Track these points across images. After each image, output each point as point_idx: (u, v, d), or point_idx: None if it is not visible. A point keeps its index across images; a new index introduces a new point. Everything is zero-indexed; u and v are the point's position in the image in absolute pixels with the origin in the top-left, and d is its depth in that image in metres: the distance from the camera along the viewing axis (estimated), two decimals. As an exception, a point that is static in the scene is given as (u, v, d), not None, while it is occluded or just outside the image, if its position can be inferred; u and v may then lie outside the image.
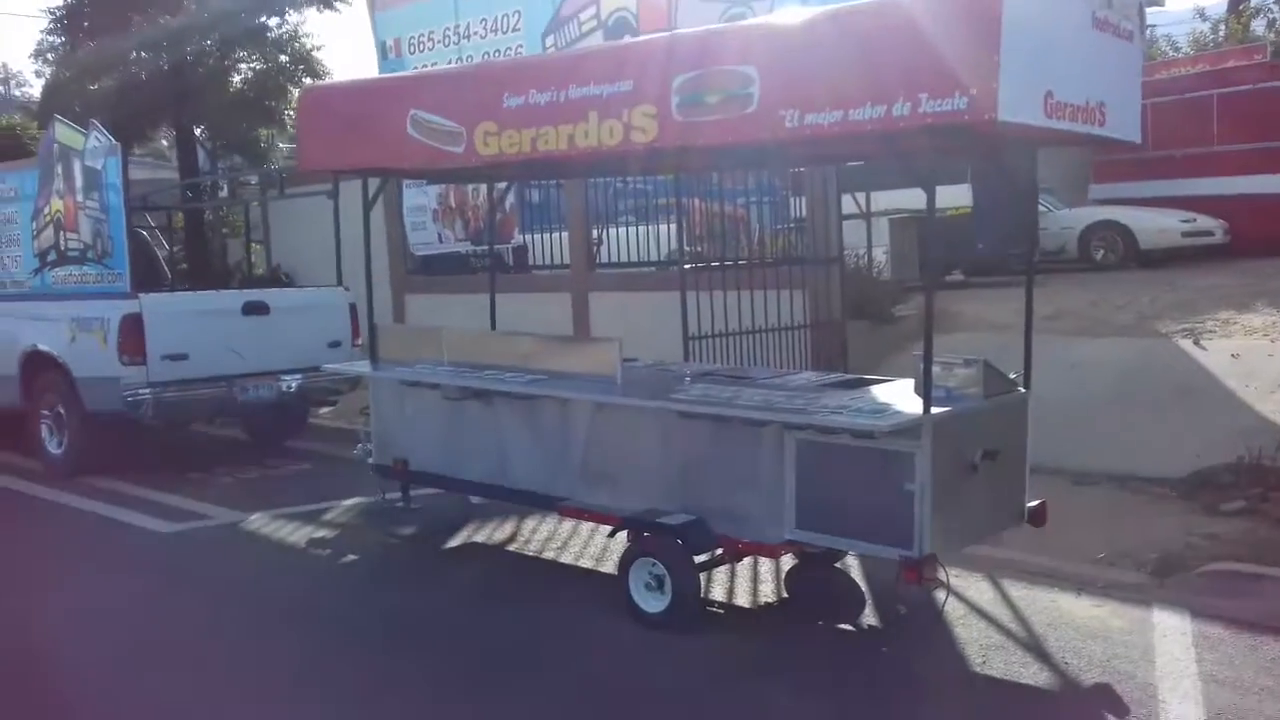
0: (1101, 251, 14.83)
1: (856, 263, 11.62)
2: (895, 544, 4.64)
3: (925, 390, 4.59)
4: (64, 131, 8.61)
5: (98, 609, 5.72)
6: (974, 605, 5.39)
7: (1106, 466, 7.62)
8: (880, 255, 12.91)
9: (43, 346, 8.71)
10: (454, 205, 14.20)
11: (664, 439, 5.37)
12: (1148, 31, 26.66)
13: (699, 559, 5.21)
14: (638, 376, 5.88)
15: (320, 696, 4.53)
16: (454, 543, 6.68)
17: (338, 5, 16.58)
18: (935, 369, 5.00)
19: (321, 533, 6.99)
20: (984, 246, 14.05)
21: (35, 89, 23.45)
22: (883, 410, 4.77)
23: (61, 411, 8.67)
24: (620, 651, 4.92)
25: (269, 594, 5.89)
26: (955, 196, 13.74)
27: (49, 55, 16.37)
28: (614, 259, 12.80)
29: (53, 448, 8.81)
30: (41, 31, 15.55)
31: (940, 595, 5.14)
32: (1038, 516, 5.34)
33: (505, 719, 4.31)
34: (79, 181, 8.47)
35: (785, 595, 5.61)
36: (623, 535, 5.49)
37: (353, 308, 9.42)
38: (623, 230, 13.03)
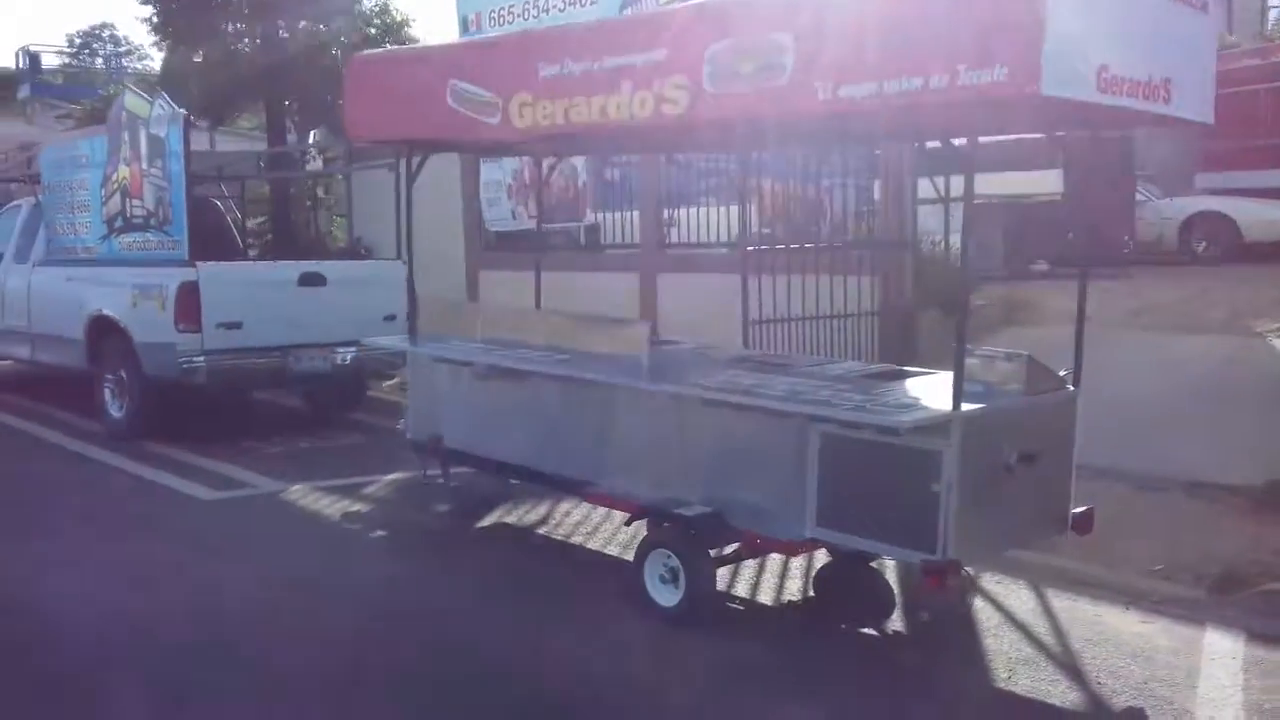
0: (1203, 244, 14.11)
1: (933, 249, 11.19)
2: (918, 547, 4.35)
3: (956, 385, 4.30)
4: (132, 99, 8.71)
5: (106, 564, 5.76)
6: (1010, 614, 5.07)
7: (1178, 472, 7.16)
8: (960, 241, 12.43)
9: (107, 311, 8.84)
10: (527, 182, 14.11)
11: (686, 426, 5.15)
12: (1270, 13, 25.37)
13: (717, 552, 4.99)
14: (670, 360, 5.67)
15: (287, 677, 4.42)
16: (485, 523, 6.57)
17: (425, -22, 16.58)
18: (975, 363, 4.72)
19: (357, 506, 6.95)
20: (1075, 235, 13.49)
21: (155, 62, 24.09)
22: (911, 405, 4.49)
23: (123, 375, 8.79)
24: (624, 648, 4.73)
25: (283, 563, 5.84)
26: (1044, 181, 13.21)
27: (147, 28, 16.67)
28: (687, 239, 12.58)
29: (114, 411, 8.95)
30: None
31: (971, 601, 4.84)
32: (1083, 524, 4.99)
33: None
34: (144, 149, 8.56)
35: (812, 594, 5.36)
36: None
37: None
38: (698, 211, 12.72)
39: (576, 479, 5.67)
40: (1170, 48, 4.35)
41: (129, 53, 48.94)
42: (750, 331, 9.60)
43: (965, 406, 4.32)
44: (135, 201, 8.71)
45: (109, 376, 8.96)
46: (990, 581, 5.55)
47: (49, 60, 33.69)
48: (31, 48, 30.54)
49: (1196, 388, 8.23)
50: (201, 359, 8.22)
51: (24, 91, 29.99)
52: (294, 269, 8.78)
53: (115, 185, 8.92)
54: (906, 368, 5.85)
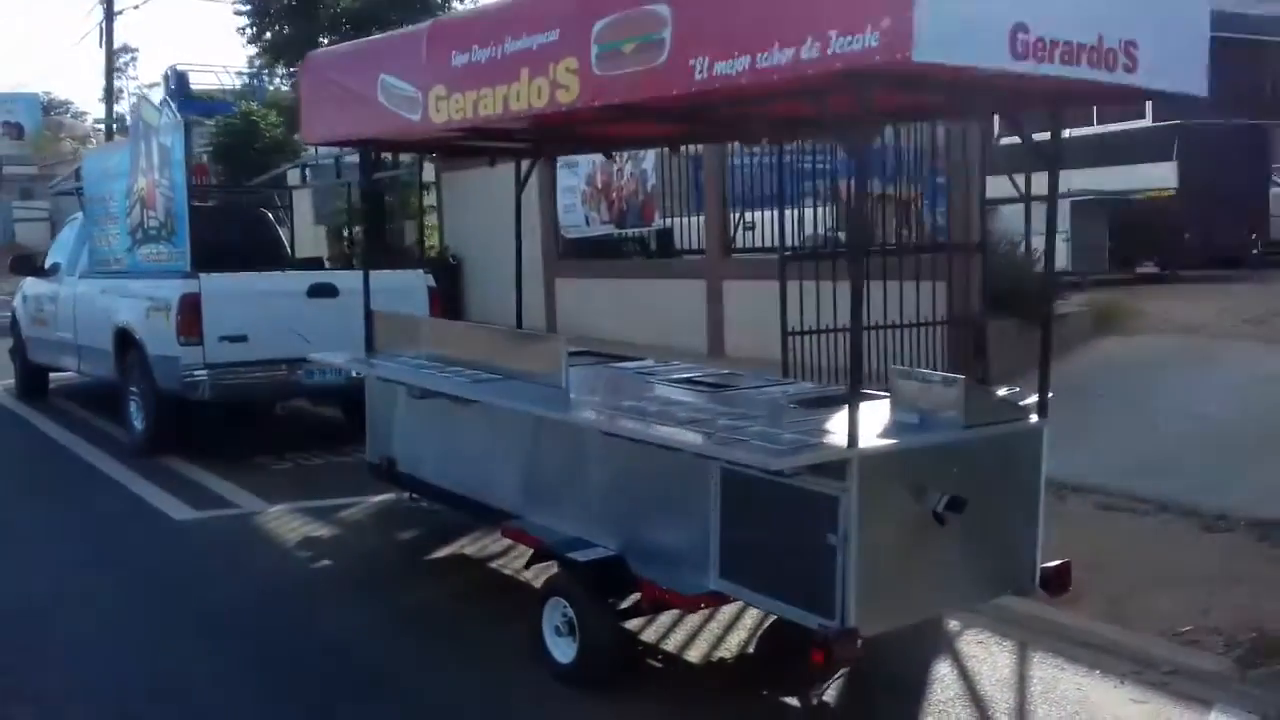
0: (1351, 244, 12.57)
1: (1011, 252, 10.18)
2: (815, 610, 3.64)
3: (851, 417, 3.56)
4: (146, 109, 8.60)
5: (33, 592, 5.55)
6: (973, 683, 4.28)
7: (1254, 510, 6.14)
8: (1059, 243, 11.28)
9: (127, 323, 8.75)
10: (599, 186, 13.66)
11: (590, 457, 4.55)
12: None
13: (621, 602, 4.36)
14: (596, 379, 5.07)
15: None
16: (441, 553, 6.08)
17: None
18: (912, 387, 3.97)
19: (323, 531, 6.57)
20: (1192, 235, 12.19)
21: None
22: (812, 441, 3.76)
23: (142, 388, 8.68)
24: (511, 706, 4.16)
25: (207, 595, 5.50)
26: (1155, 176, 11.93)
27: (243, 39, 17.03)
28: (759, 244, 11.85)
29: (137, 424, 8.85)
30: (234, 12, 16.05)
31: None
32: (1056, 581, 4.17)
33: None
34: (156, 159, 8.43)
35: (751, 650, 4.66)
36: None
37: (432, 291, 9.01)
38: (769, 212, 11.92)
39: (500, 509, 5.12)
40: (1132, 3, 3.53)
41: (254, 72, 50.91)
42: (790, 343, 8.87)
43: (869, 443, 3.58)
44: (150, 212, 8.59)
45: (132, 389, 8.87)
46: (971, 638, 4.75)
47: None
48: (179, 67, 31.84)
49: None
50: (204, 372, 8.01)
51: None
52: (303, 280, 8.49)
53: (136, 196, 8.83)
54: (871, 391, 5.05)
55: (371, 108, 5.47)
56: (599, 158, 13.55)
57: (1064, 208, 11.77)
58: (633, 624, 4.71)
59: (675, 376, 5.24)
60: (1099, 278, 11.35)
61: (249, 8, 15.64)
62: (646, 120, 4.87)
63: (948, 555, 3.81)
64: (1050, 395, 4.25)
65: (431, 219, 17.03)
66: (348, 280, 8.70)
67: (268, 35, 16.06)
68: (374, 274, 10.04)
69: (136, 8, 42.09)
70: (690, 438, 3.85)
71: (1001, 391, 4.29)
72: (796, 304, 8.61)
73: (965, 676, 4.37)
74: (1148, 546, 5.83)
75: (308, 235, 19.82)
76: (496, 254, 15.62)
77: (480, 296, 16.11)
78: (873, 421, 3.95)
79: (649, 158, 12.74)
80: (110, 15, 26.93)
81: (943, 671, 4.43)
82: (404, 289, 8.89)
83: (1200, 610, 4.92)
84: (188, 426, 8.64)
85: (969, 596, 4.13)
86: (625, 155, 13.10)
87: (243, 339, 8.10)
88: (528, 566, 4.90)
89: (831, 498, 3.55)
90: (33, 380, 11.60)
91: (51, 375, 11.64)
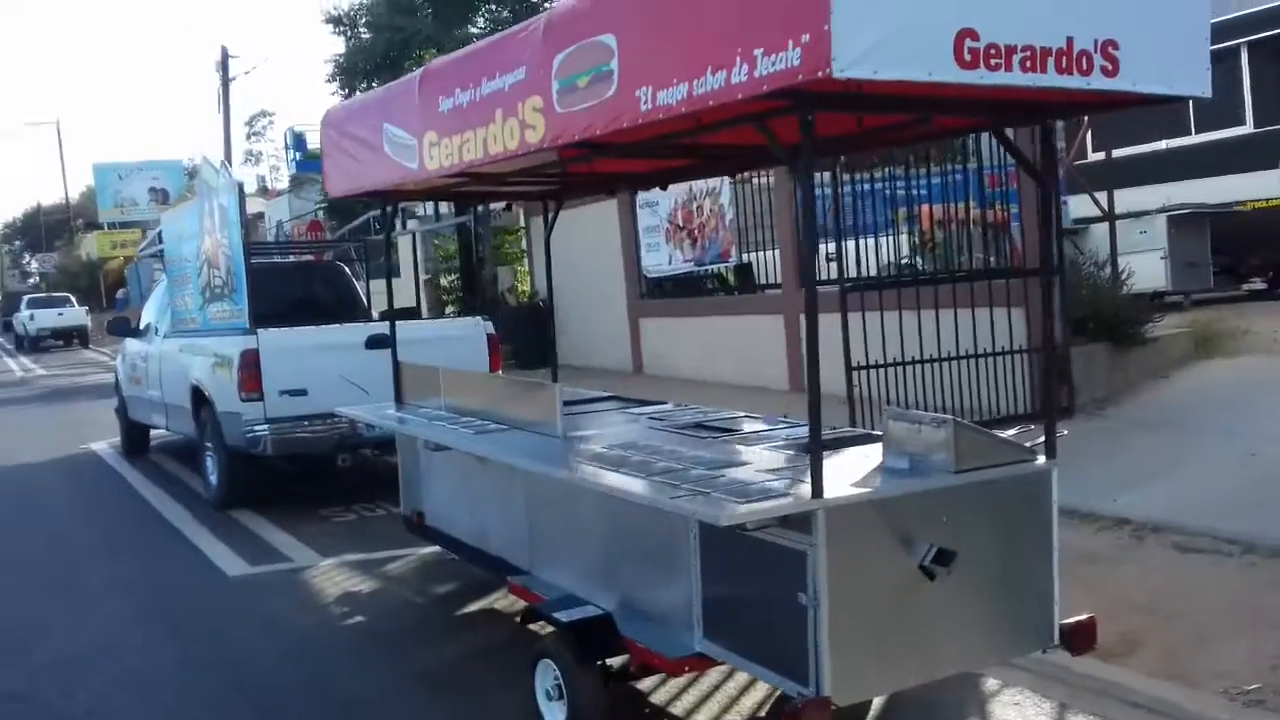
0: None
1: (1096, 273, 9.60)
2: (790, 675, 3.36)
3: (815, 465, 3.27)
4: (207, 170, 8.81)
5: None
6: (989, 756, 3.90)
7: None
8: (1155, 260, 10.63)
9: (198, 380, 8.94)
10: (680, 224, 13.50)
11: (589, 510, 4.35)
12: None
13: (611, 662, 4.13)
14: (605, 426, 4.86)
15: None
16: (472, 607, 5.94)
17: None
18: (901, 429, 3.67)
19: (364, 585, 6.51)
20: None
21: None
22: (778, 489, 3.48)
23: (215, 443, 8.84)
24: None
25: (232, 653, 5.50)
26: (1260, 185, 11.13)
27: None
28: (845, 274, 11.47)
29: (212, 478, 9.01)
30: (325, 80, 16.50)
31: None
32: (1081, 638, 3.77)
33: None
34: (217, 219, 8.62)
35: (763, 716, 4.36)
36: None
37: (491, 339, 8.96)
38: (856, 242, 11.54)
39: (511, 564, 4.96)
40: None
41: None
42: (854, 378, 8.51)
43: (840, 492, 3.30)
44: (215, 271, 8.78)
45: (207, 445, 9.04)
46: (1007, 698, 4.37)
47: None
48: (296, 128, 33.08)
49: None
50: (265, 428, 8.11)
51: (292, 169, 32.53)
52: (360, 332, 8.53)
53: (204, 256, 9.04)
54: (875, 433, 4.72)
55: (379, 157, 5.45)
56: (679, 194, 13.42)
57: (1159, 222, 11.10)
58: (645, 684, 4.50)
59: (684, 421, 5.00)
60: (1201, 296, 10.63)
61: (337, 70, 16.07)
62: (637, 156, 4.70)
63: (943, 613, 3.48)
64: (1064, 433, 3.87)
65: (523, 263, 17.16)
66: (408, 331, 8.71)
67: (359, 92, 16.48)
68: (432, 323, 10.17)
69: (247, 74, 43.52)
70: (636, 487, 3.62)
71: (1011, 432, 3.93)
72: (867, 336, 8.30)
73: (987, 742, 4.00)
74: (1224, 592, 5.31)
75: (410, 285, 20.18)
76: (586, 297, 15.64)
77: (573, 338, 16.10)
78: (858, 468, 3.67)
79: (725, 191, 12.53)
80: (226, 83, 28.13)
81: (966, 735, 4.08)
82: (462, 337, 8.89)
83: (1270, 665, 4.44)
84: (259, 480, 8.76)
85: (973, 658, 3.77)
86: (704, 190, 12.95)
87: (303, 393, 8.17)
88: (522, 624, 4.71)
89: (799, 553, 3.28)
90: (134, 437, 11.98)
91: (154, 433, 12.00)
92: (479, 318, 9.07)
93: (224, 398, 8.46)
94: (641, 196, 13.99)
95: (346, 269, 11.18)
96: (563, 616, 4.04)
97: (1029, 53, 3.03)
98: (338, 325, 8.40)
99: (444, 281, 18.37)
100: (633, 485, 3.65)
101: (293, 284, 10.13)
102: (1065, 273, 8.88)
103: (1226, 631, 4.83)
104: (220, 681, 5.11)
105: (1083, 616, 3.79)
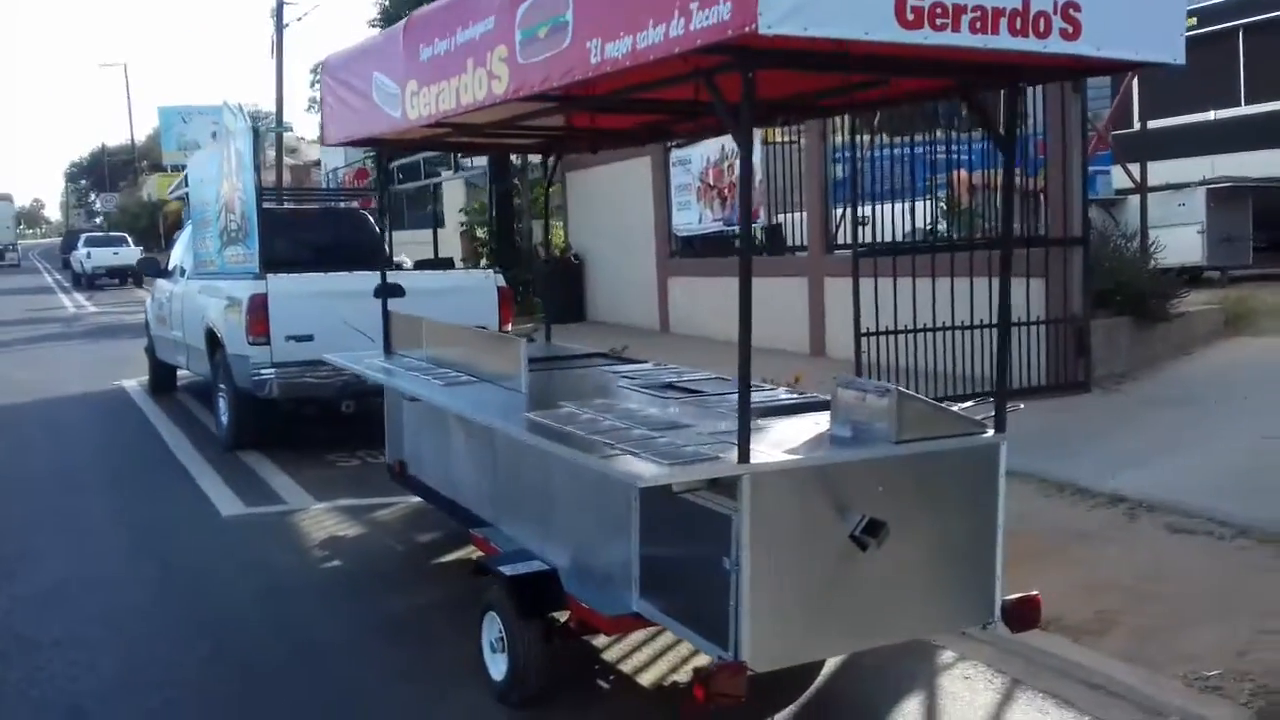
0: None
1: (1124, 246, 9.34)
2: (713, 639, 3.32)
3: (742, 430, 3.21)
4: (227, 115, 8.84)
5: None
6: (929, 728, 3.85)
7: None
8: (1192, 234, 10.30)
9: (212, 323, 9.03)
10: (711, 183, 13.36)
11: (545, 467, 4.32)
12: None
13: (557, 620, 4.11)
14: (576, 384, 4.83)
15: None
16: (449, 557, 5.96)
17: None
18: (849, 397, 3.59)
19: (350, 530, 6.58)
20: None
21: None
22: (709, 450, 3.41)
23: (226, 385, 8.94)
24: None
25: (209, 591, 5.61)
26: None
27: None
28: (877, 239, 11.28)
29: (223, 419, 9.12)
30: (368, 25, 16.42)
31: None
32: (1021, 615, 3.69)
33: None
34: (234, 163, 8.66)
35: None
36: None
37: (502, 291, 8.94)
38: (886, 207, 11.32)
39: (477, 516, 4.96)
40: (1071, -44, 3.06)
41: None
42: (865, 344, 8.40)
43: (767, 458, 3.24)
44: (231, 215, 8.83)
45: (220, 386, 9.14)
46: (960, 671, 4.31)
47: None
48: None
49: None
50: (271, 371, 8.18)
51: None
52: (370, 280, 8.52)
53: (222, 200, 9.10)
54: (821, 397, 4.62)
55: (369, 106, 5.41)
56: (711, 153, 13.27)
57: (1198, 195, 10.75)
58: (599, 641, 4.50)
59: (655, 381, 4.94)
60: (1240, 273, 10.31)
61: (382, 16, 16.00)
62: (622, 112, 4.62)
63: (876, 584, 3.41)
64: (1019, 407, 3.77)
65: (557, 218, 17.10)
66: (417, 280, 8.74)
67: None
68: (443, 274, 10.14)
69: (299, 20, 43.53)
70: (567, 445, 3.58)
71: (967, 405, 3.83)
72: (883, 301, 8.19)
73: (931, 716, 3.94)
74: (1209, 575, 5.18)
75: (455, 236, 20.21)
76: (618, 253, 15.58)
77: (603, 294, 16.07)
78: (801, 434, 3.60)
79: (756, 151, 12.36)
80: (280, 29, 28.22)
81: (910, 709, 4.02)
82: (473, 288, 8.88)
83: (1237, 651, 4.32)
84: (268, 422, 8.84)
85: (906, 630, 3.69)
86: (734, 150, 12.78)
87: (309, 338, 8.21)
88: (474, 575, 4.70)
89: (724, 517, 3.23)
90: (161, 376, 12.15)
91: (180, 373, 12.18)
92: (489, 270, 9.05)
93: (234, 340, 8.54)
94: (675, 154, 13.86)
95: (370, 218, 11.18)
96: (506, 570, 4.03)
97: (979, 13, 2.90)
98: (347, 272, 8.41)
99: (479, 233, 18.40)
100: (565, 443, 3.61)
101: (313, 231, 10.16)
102: (1089, 244, 8.67)
103: (1202, 615, 4.71)
104: (189, 618, 5.18)
105: (1022, 595, 3.71)
